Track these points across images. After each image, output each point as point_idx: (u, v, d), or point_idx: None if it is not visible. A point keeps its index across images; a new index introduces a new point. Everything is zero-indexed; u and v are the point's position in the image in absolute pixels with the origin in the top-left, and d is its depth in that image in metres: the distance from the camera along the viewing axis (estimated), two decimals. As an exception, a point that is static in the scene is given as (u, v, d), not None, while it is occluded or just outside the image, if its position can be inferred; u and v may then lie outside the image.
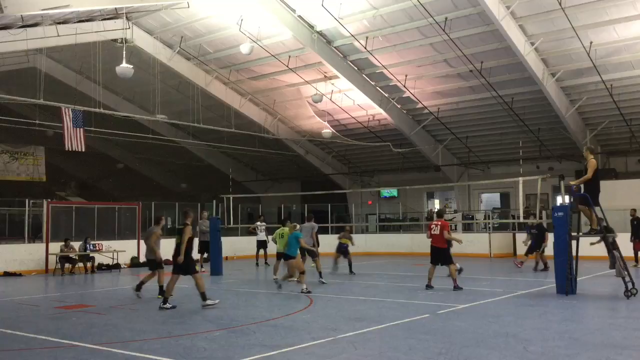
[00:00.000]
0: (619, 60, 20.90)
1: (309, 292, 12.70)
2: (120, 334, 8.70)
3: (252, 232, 22.26)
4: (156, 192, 37.77)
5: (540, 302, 11.36)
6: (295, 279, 13.68)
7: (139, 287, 12.73)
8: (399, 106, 26.96)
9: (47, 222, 20.17)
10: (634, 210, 18.96)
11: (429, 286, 13.23)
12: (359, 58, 23.61)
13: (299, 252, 13.62)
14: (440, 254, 13.24)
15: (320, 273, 15.03)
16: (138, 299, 12.44)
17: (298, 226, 14.21)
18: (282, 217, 20.59)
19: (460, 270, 15.76)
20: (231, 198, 19.64)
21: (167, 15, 22.19)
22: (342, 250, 17.60)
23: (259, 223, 22.16)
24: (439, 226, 13.25)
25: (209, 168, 36.97)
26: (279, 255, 15.58)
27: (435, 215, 14.73)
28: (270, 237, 18.41)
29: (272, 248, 17.49)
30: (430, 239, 13.46)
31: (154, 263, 12.83)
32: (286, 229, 15.63)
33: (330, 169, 34.93)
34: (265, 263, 21.12)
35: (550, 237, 15.84)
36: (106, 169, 40.58)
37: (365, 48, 21.69)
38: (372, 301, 11.98)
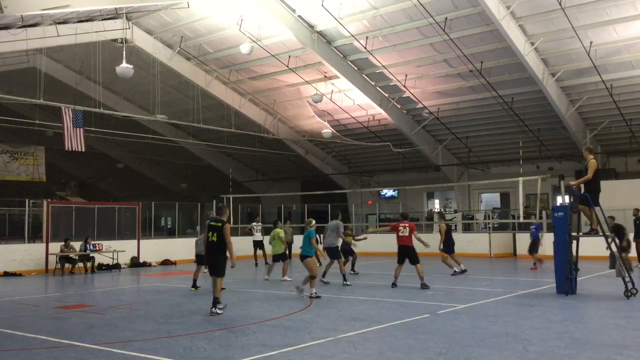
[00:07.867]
0: (619, 60, 20.89)
1: (318, 297, 12.11)
2: (120, 334, 8.69)
3: (250, 232, 22.42)
4: (156, 192, 37.79)
5: (540, 302, 11.35)
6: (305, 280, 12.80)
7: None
8: (399, 106, 26.95)
9: (47, 222, 20.20)
10: (637, 210, 18.78)
11: (394, 284, 13.89)
12: (359, 58, 23.60)
13: (315, 252, 12.96)
14: (409, 254, 13.82)
15: (344, 275, 14.80)
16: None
17: (313, 222, 13.26)
18: (275, 219, 20.69)
19: (464, 271, 16.06)
20: (231, 198, 19.65)
21: (167, 15, 22.19)
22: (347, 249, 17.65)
23: (254, 223, 22.35)
24: (407, 228, 13.88)
25: (209, 168, 36.96)
26: (276, 257, 16.19)
27: (401, 217, 15.27)
28: (268, 237, 18.52)
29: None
30: (398, 240, 13.99)
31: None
32: (278, 230, 16.03)
33: (330, 169, 34.92)
34: (266, 263, 21.15)
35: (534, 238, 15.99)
36: (106, 169, 40.59)
37: (365, 48, 21.68)
38: (372, 301, 11.97)
